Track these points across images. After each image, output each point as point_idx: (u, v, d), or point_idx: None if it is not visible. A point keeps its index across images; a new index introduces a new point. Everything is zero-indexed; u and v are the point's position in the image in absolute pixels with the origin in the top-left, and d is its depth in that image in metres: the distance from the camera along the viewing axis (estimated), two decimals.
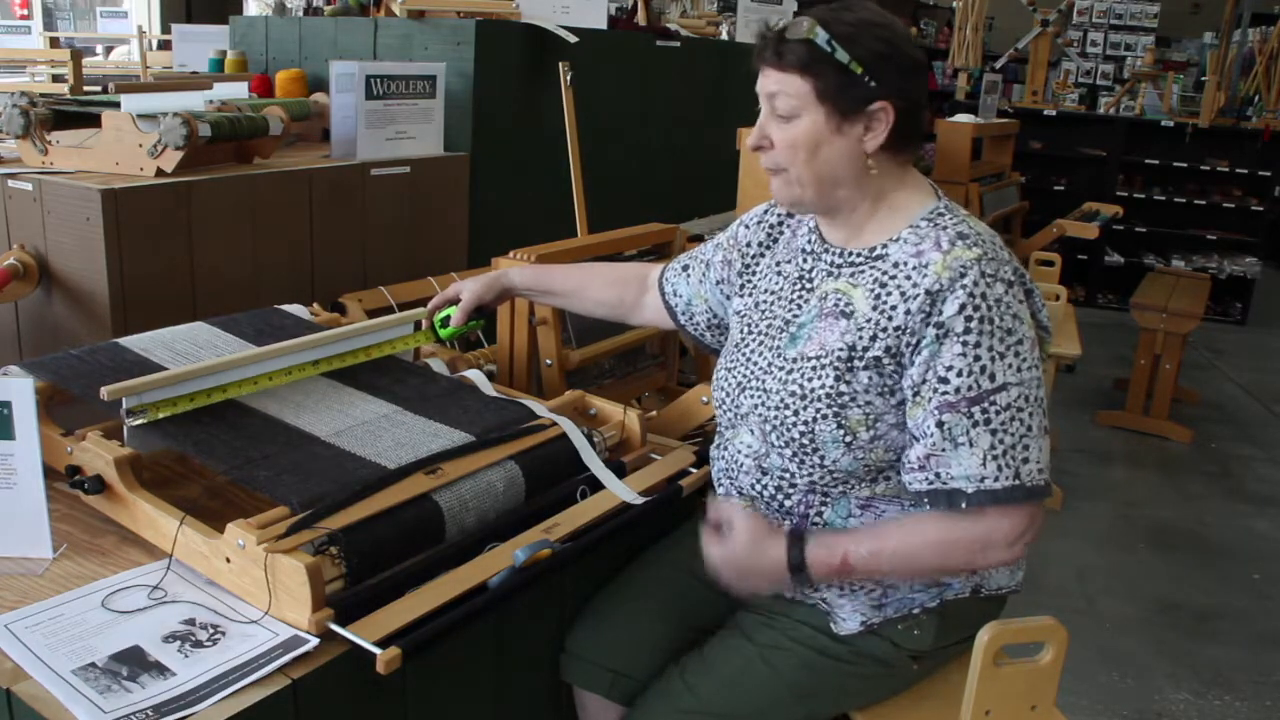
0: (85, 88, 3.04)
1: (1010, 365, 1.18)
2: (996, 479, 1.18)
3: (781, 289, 1.40)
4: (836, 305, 1.29)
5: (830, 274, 1.33)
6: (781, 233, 1.46)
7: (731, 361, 1.42)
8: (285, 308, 1.75)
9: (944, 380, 1.18)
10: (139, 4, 7.09)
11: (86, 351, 1.47)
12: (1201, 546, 3.48)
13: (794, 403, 1.28)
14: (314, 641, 1.08)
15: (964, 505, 1.19)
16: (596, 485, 1.44)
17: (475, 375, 1.67)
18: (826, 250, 1.35)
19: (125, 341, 1.51)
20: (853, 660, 1.36)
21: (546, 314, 1.76)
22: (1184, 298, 4.49)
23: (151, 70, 4.06)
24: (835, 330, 1.27)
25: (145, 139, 1.88)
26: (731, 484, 1.40)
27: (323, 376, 1.54)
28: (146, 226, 1.82)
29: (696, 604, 1.48)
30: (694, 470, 1.52)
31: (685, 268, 1.60)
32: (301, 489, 1.22)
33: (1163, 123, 6.82)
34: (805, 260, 1.38)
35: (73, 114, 2.02)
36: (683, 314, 1.59)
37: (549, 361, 1.78)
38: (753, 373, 1.36)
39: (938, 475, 1.20)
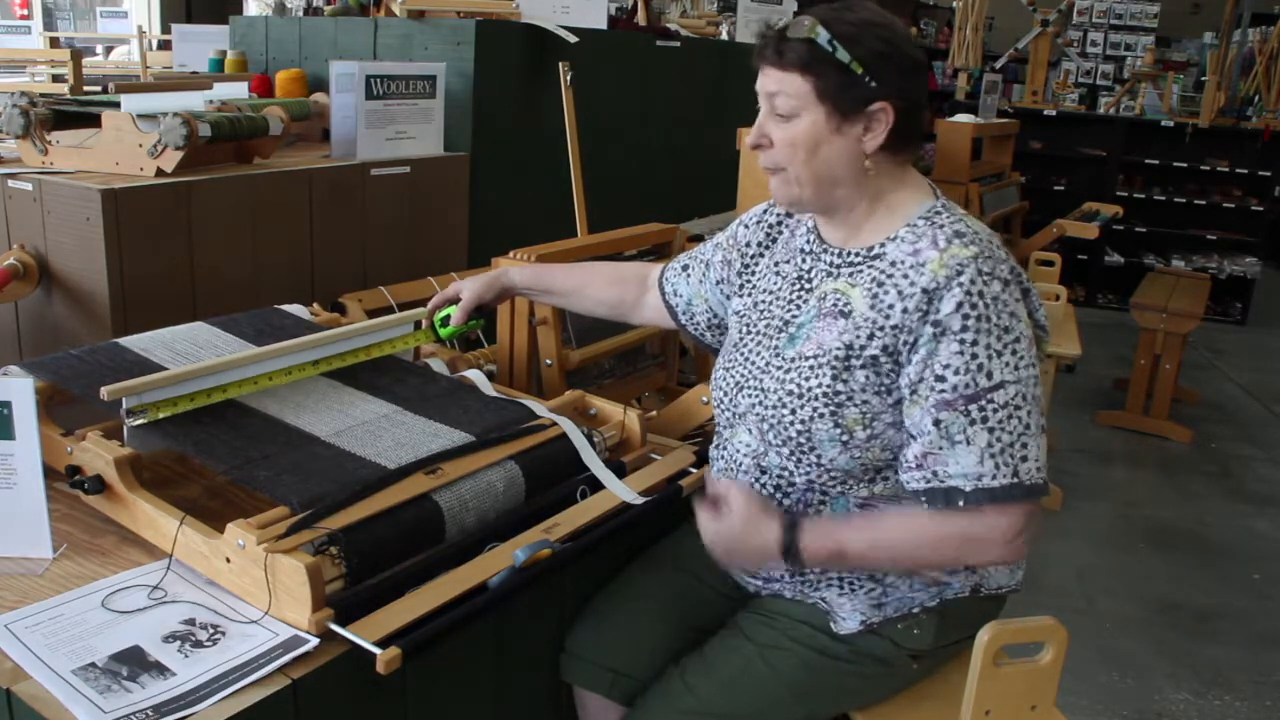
0: (85, 88, 3.04)
1: (1007, 363, 1.18)
2: (994, 477, 1.18)
3: (780, 289, 1.40)
4: (835, 305, 1.29)
5: (830, 274, 1.33)
6: (780, 232, 1.46)
7: (730, 361, 1.42)
8: (285, 308, 1.75)
9: (941, 378, 1.18)
10: (139, 4, 7.09)
11: (86, 351, 1.47)
12: (1201, 546, 3.48)
13: (791, 402, 1.28)
14: (314, 641, 1.08)
15: (962, 503, 1.19)
16: (596, 485, 1.44)
17: (475, 375, 1.67)
18: (825, 250, 1.35)
19: (125, 341, 1.51)
20: (852, 660, 1.36)
21: (546, 314, 1.76)
22: (1184, 298, 4.49)
23: (151, 70, 4.06)
24: (833, 330, 1.27)
25: (145, 139, 1.88)
26: None
27: (323, 376, 1.54)
28: (146, 226, 1.82)
29: (696, 604, 1.49)
30: (694, 470, 1.52)
31: (685, 267, 1.60)
32: (301, 489, 1.22)
33: (1163, 123, 6.82)
34: (804, 260, 1.38)
35: (73, 114, 2.02)
36: (683, 314, 1.59)
37: (549, 361, 1.78)
38: (750, 372, 1.36)
39: (935, 474, 1.20)
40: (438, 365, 1.70)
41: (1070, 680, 2.49)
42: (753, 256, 1.48)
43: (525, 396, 1.62)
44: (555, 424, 1.49)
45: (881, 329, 1.23)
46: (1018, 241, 4.99)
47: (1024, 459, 1.19)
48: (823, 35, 1.21)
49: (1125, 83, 7.93)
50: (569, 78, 2.61)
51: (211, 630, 1.10)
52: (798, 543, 1.24)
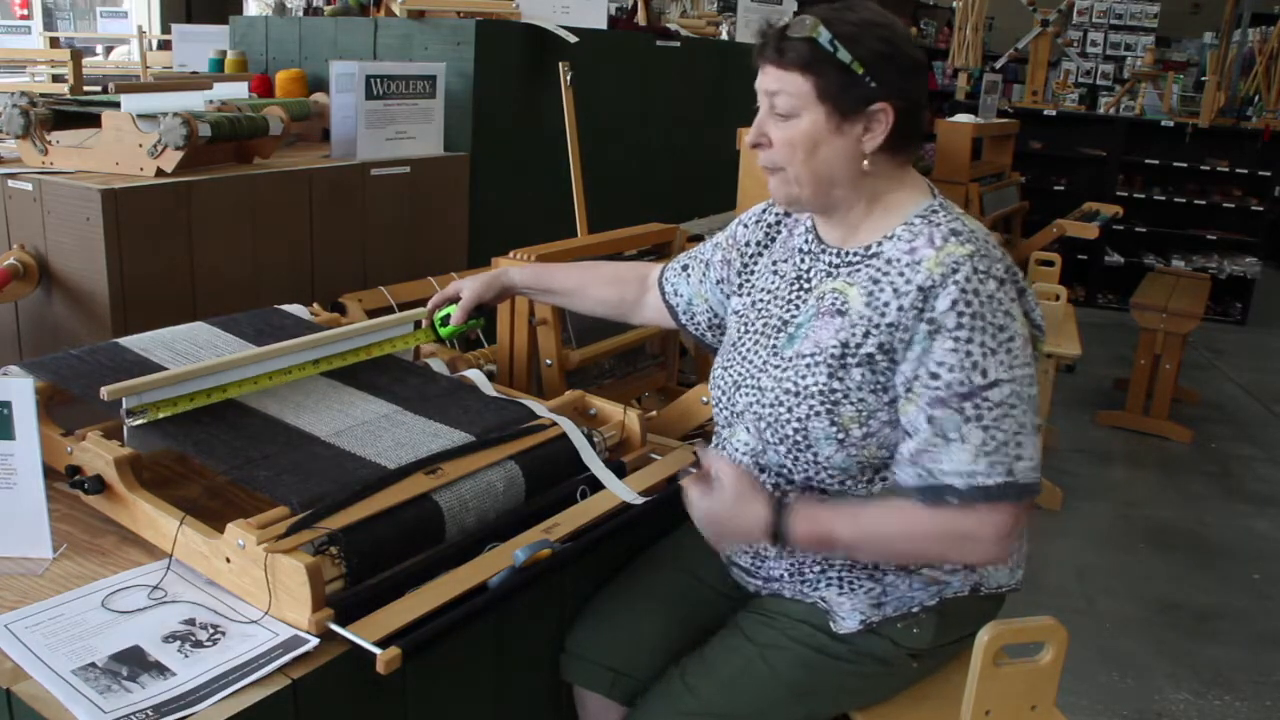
0: (85, 88, 3.04)
1: (1002, 362, 1.18)
2: (989, 475, 1.18)
3: (778, 288, 1.40)
4: (833, 305, 1.29)
5: (828, 274, 1.33)
6: (779, 232, 1.46)
7: (728, 360, 1.42)
8: (285, 308, 1.75)
9: (935, 376, 1.18)
10: (139, 4, 7.09)
11: (86, 351, 1.47)
12: (1201, 546, 3.48)
13: (788, 400, 1.28)
14: (314, 641, 1.08)
15: (955, 500, 1.19)
16: (596, 485, 1.44)
17: (475, 375, 1.67)
18: (824, 250, 1.35)
19: (125, 341, 1.51)
20: (852, 659, 1.36)
21: (546, 314, 1.76)
22: (1184, 298, 4.49)
23: (151, 70, 4.06)
24: (830, 328, 1.27)
25: (145, 139, 1.88)
26: None
27: (323, 376, 1.54)
28: (146, 226, 1.82)
29: (696, 604, 1.49)
30: (694, 470, 1.52)
31: (685, 267, 1.60)
32: (301, 489, 1.22)
33: (1163, 123, 6.82)
34: (803, 260, 1.38)
35: (73, 114, 2.02)
36: (684, 313, 1.59)
37: (549, 361, 1.78)
38: (748, 371, 1.37)
39: (929, 470, 1.20)
40: (438, 365, 1.69)
41: (1070, 680, 2.49)
42: (752, 256, 1.48)
43: (525, 396, 1.62)
44: (555, 424, 1.49)
45: (877, 327, 1.23)
46: (1018, 241, 4.99)
47: (1019, 458, 1.19)
48: (824, 35, 1.21)
49: (1125, 83, 7.93)
50: (569, 78, 2.61)
51: (211, 630, 1.10)
52: (786, 524, 1.23)
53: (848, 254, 1.32)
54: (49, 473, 1.27)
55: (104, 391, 1.28)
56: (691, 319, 1.58)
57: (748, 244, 1.48)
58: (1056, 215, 5.02)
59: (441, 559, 1.22)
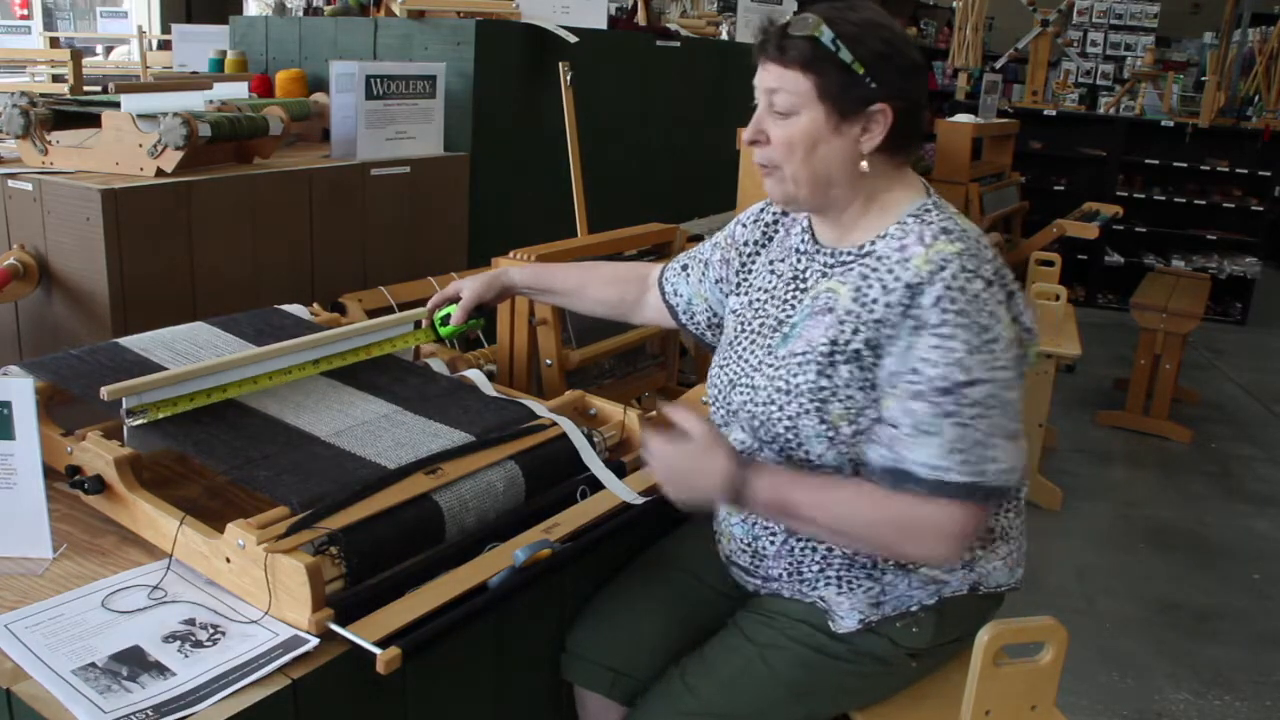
0: (85, 88, 3.04)
1: (984, 361, 1.17)
2: (958, 473, 1.17)
3: (775, 288, 1.40)
4: (826, 303, 1.29)
5: (824, 274, 1.33)
6: (776, 231, 1.46)
7: (724, 359, 1.42)
8: (285, 308, 1.75)
9: (916, 371, 1.18)
10: (139, 4, 7.09)
11: (86, 351, 1.47)
12: (1201, 546, 3.48)
13: (779, 398, 1.28)
14: (314, 641, 1.08)
15: (917, 488, 1.18)
16: (596, 485, 1.44)
17: (475, 375, 1.67)
18: (820, 250, 1.35)
19: (125, 341, 1.51)
20: (851, 658, 1.36)
21: (546, 314, 1.76)
22: (1184, 298, 4.48)
23: (151, 70, 4.06)
24: (820, 326, 1.27)
25: (145, 139, 1.88)
26: None
27: (323, 376, 1.54)
28: (146, 226, 1.82)
29: (696, 603, 1.49)
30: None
31: (684, 267, 1.60)
32: (301, 489, 1.22)
33: (1163, 123, 6.82)
34: (799, 260, 1.38)
35: (73, 114, 2.02)
36: (684, 313, 1.59)
37: (549, 361, 1.78)
38: (744, 370, 1.37)
39: (899, 455, 1.20)
40: (438, 365, 1.70)
41: (1070, 680, 2.49)
42: (749, 255, 1.48)
43: (525, 396, 1.62)
44: (555, 424, 1.49)
45: (865, 323, 1.23)
46: (1018, 241, 4.99)
47: (993, 460, 1.18)
48: (826, 34, 1.21)
49: (1125, 83, 7.93)
50: (569, 78, 2.61)
51: (211, 630, 1.10)
52: (747, 482, 1.22)
53: (842, 254, 1.32)
54: (49, 473, 1.27)
55: (104, 391, 1.28)
56: (691, 319, 1.58)
57: (746, 243, 1.48)
58: (1056, 215, 5.02)
59: (441, 559, 1.22)
